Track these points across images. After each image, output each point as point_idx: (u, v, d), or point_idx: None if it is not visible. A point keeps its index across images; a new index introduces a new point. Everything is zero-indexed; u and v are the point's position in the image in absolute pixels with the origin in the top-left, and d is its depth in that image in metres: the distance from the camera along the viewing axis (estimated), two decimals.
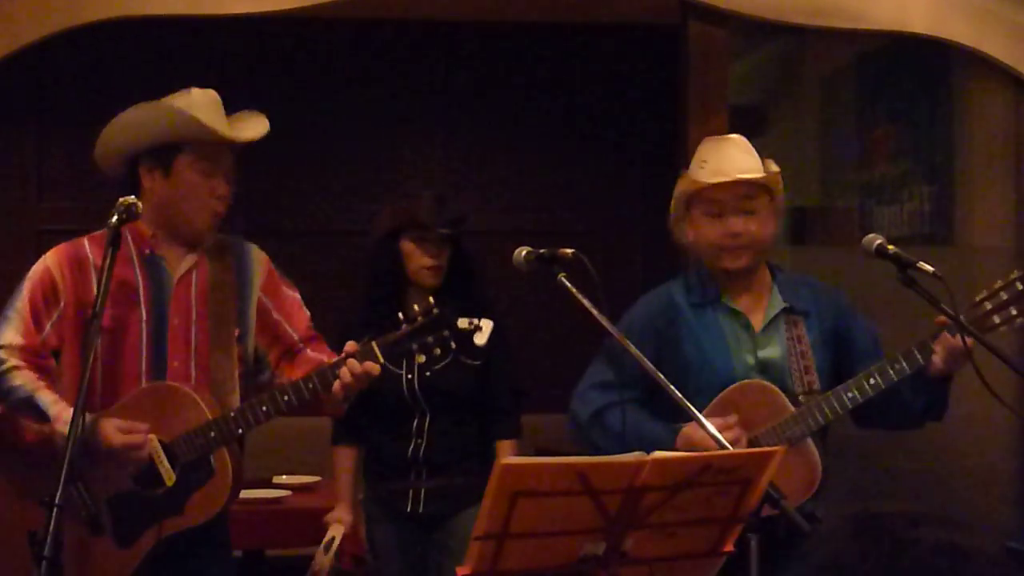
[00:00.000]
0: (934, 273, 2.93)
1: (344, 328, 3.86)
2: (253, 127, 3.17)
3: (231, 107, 3.19)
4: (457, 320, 2.93)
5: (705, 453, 2.48)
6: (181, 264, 3.11)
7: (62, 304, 3.03)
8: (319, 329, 3.28)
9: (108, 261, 2.78)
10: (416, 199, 3.97)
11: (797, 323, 3.25)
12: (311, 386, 2.93)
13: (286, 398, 2.95)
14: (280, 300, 3.20)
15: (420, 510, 3.89)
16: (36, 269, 3.07)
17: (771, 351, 3.24)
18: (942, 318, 3.01)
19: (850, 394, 3.07)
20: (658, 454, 2.35)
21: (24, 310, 3.03)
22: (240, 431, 2.95)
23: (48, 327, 3.03)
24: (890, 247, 3.10)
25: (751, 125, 6.58)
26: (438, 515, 3.89)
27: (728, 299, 3.28)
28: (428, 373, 3.84)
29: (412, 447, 3.87)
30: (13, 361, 3.00)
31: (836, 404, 3.08)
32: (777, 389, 3.15)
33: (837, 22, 4.88)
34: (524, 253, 3.06)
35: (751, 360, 3.22)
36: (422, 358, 2.94)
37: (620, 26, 6.20)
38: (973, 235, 5.19)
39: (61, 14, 4.52)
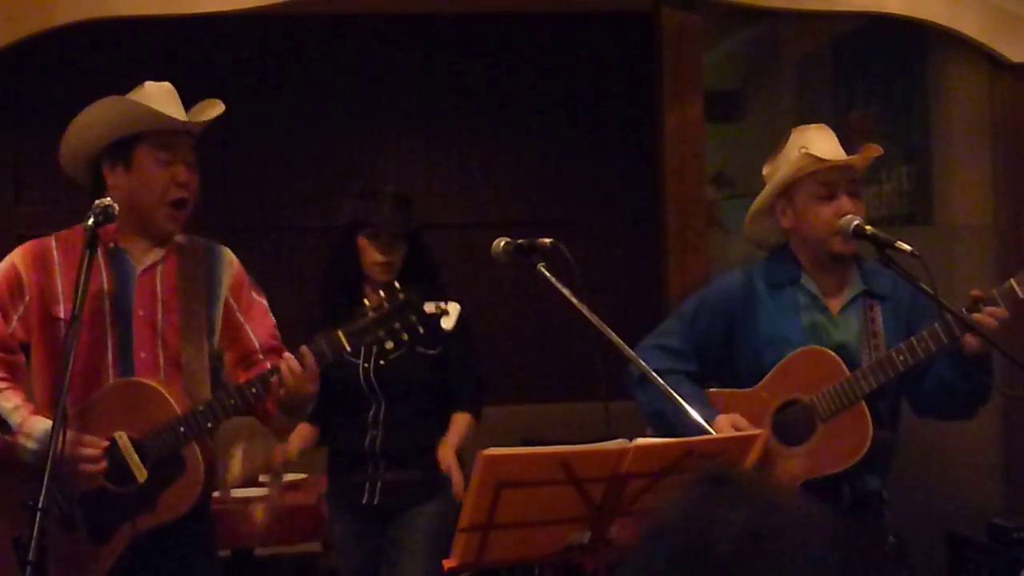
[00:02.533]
0: (912, 252, 2.95)
1: (309, 327, 3.84)
2: (206, 111, 3.15)
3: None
4: (423, 305, 2.91)
5: (688, 439, 2.49)
6: (146, 257, 3.10)
7: (27, 298, 3.04)
8: (295, 329, 3.28)
9: (86, 263, 2.77)
10: (373, 197, 3.99)
11: (873, 306, 3.30)
12: (254, 390, 2.92)
13: (234, 400, 2.93)
14: (246, 304, 3.18)
15: (375, 502, 3.88)
16: (2, 265, 3.09)
17: (846, 332, 3.29)
18: (976, 292, 3.05)
19: (902, 357, 3.11)
20: (640, 440, 2.35)
21: None
22: (209, 425, 2.93)
23: (15, 320, 3.03)
24: (867, 228, 3.13)
25: (728, 110, 6.59)
26: (393, 508, 3.90)
27: (807, 281, 3.31)
28: (383, 362, 3.83)
29: (369, 438, 3.88)
30: None
31: (888, 367, 3.12)
32: (833, 354, 3.20)
33: (811, 5, 4.89)
34: (503, 244, 3.06)
35: (826, 341, 3.26)
36: (390, 344, 2.91)
37: (594, 15, 6.20)
38: (952, 214, 5.20)
39: (32, 18, 4.49)
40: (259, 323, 3.18)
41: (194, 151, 3.13)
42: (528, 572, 4.70)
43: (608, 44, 6.23)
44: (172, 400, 2.93)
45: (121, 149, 3.06)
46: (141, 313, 3.05)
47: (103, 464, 2.90)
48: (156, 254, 3.10)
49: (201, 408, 2.91)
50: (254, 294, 3.22)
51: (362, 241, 3.91)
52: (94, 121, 3.07)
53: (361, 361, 3.87)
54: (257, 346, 3.16)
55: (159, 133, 3.05)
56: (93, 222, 2.81)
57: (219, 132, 3.23)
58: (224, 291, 3.15)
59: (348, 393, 3.88)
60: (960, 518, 4.60)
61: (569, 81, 6.25)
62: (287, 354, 2.92)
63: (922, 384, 3.25)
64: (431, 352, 3.90)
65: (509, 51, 6.24)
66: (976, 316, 3.02)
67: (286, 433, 3.23)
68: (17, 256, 3.09)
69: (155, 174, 3.04)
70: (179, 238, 3.16)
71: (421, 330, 2.89)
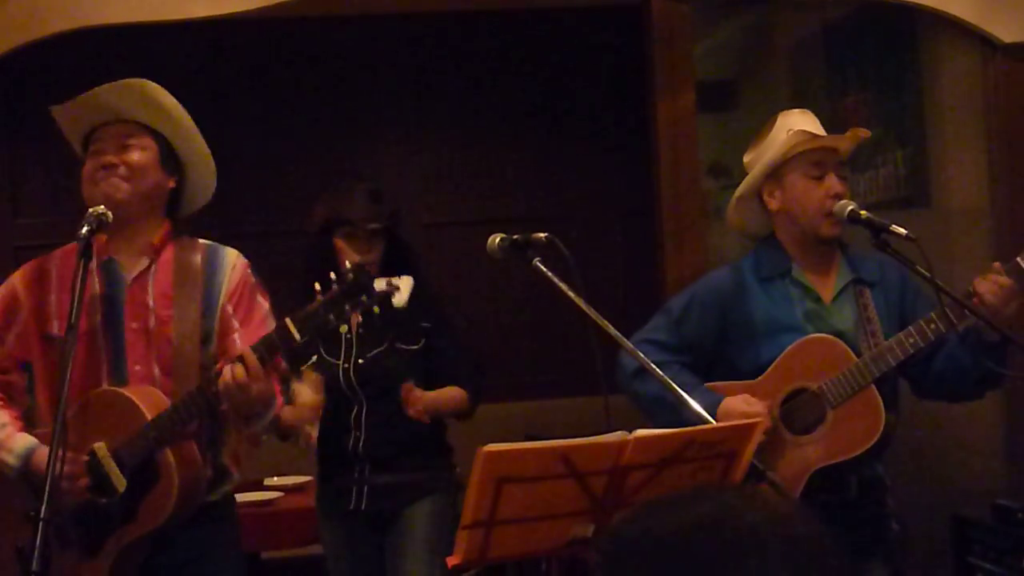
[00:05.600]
0: (907, 235, 2.95)
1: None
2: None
3: (203, 108, 3.18)
4: (373, 283, 2.80)
5: (687, 429, 2.48)
6: (136, 266, 3.08)
7: (22, 317, 3.06)
8: None
9: (81, 272, 2.76)
10: (347, 193, 3.87)
11: (864, 292, 3.30)
12: (213, 389, 2.85)
13: (196, 400, 2.87)
14: (245, 310, 3.12)
15: (363, 507, 3.78)
16: (3, 285, 3.12)
17: (841, 321, 3.28)
18: (996, 264, 3.06)
19: (911, 340, 3.10)
20: (640, 432, 2.35)
21: None
22: (178, 428, 2.87)
23: (10, 339, 3.07)
24: (862, 212, 3.14)
25: (722, 100, 6.58)
26: (384, 513, 3.80)
27: (798, 272, 3.31)
28: (361, 360, 3.76)
29: (352, 440, 3.77)
30: None
31: (898, 349, 3.11)
32: (840, 341, 3.19)
33: None
34: (498, 240, 3.06)
35: (823, 329, 3.25)
36: (344, 327, 2.76)
37: (586, 8, 6.20)
38: (949, 197, 5.20)
39: (22, 28, 4.49)
40: (252, 331, 3.08)
41: (142, 136, 3.09)
42: (535, 567, 4.70)
43: (600, 37, 6.23)
44: (143, 407, 2.90)
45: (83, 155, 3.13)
46: (134, 325, 3.03)
47: (84, 479, 2.89)
48: (144, 262, 3.08)
49: (167, 411, 2.88)
50: (258, 297, 3.16)
51: (339, 242, 3.80)
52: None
53: (341, 361, 3.78)
54: None
55: (94, 132, 3.09)
56: (87, 230, 2.82)
57: (217, 135, 3.22)
58: (222, 298, 3.11)
59: (331, 394, 3.76)
60: (965, 500, 4.59)
61: (562, 75, 6.25)
62: (226, 365, 2.84)
63: (931, 365, 3.24)
64: (412, 348, 3.81)
65: (501, 47, 6.24)
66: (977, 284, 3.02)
67: (251, 441, 3.17)
68: (17, 276, 3.12)
69: (87, 167, 3.07)
70: (180, 241, 3.14)
71: (377, 309, 2.81)
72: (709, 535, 1.20)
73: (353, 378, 3.78)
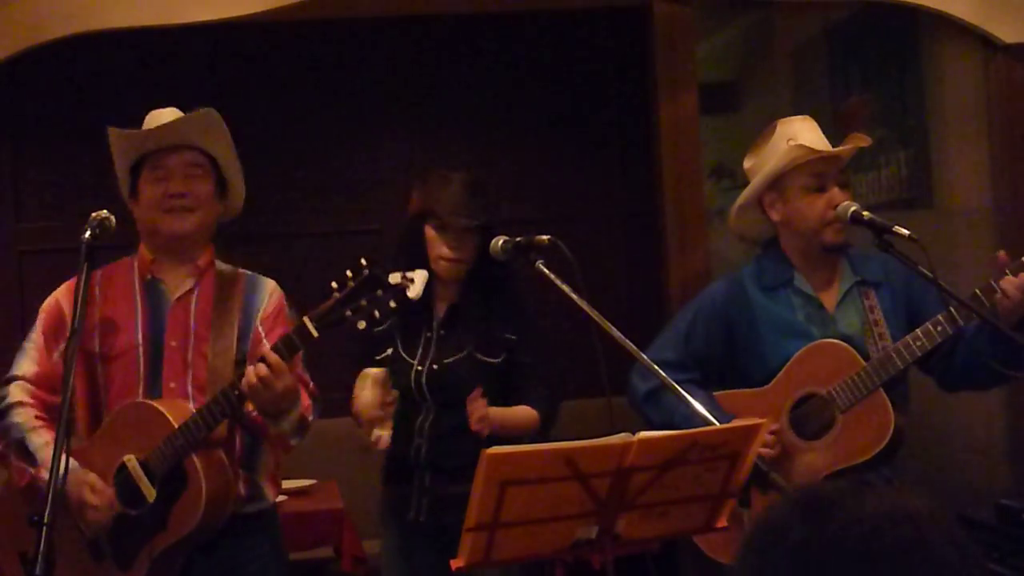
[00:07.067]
0: (909, 236, 2.95)
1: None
2: (169, 115, 3.14)
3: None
4: (388, 278, 2.77)
5: (691, 430, 2.48)
6: (181, 286, 3.13)
7: (68, 334, 3.05)
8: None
9: (82, 276, 2.78)
10: (445, 182, 3.59)
11: (869, 294, 3.29)
12: (236, 392, 2.86)
13: (219, 405, 2.88)
14: (276, 333, 3.11)
15: (422, 519, 3.57)
16: (47, 301, 3.16)
17: (847, 326, 3.27)
18: (1001, 252, 3.05)
19: (919, 342, 3.09)
20: (643, 434, 2.35)
21: (38, 340, 3.12)
22: (203, 432, 2.89)
23: (56, 355, 3.09)
24: (865, 213, 3.13)
25: (725, 102, 6.59)
26: (444, 526, 3.48)
27: (800, 281, 3.30)
28: (436, 366, 3.55)
29: (414, 447, 3.55)
30: (17, 396, 3.06)
31: (906, 352, 3.11)
32: (847, 345, 3.19)
33: None
34: (501, 243, 3.07)
35: (829, 336, 3.25)
36: (362, 323, 2.74)
37: (589, 10, 6.20)
38: (951, 197, 5.20)
39: (24, 33, 4.49)
40: None
41: (205, 165, 3.13)
42: (539, 570, 4.68)
43: (603, 39, 6.22)
44: (168, 415, 2.93)
45: (132, 184, 3.13)
46: (173, 343, 3.08)
47: (110, 514, 2.93)
48: (189, 283, 3.14)
49: (192, 417, 2.91)
50: (289, 326, 3.16)
51: (429, 232, 3.55)
52: (116, 166, 3.14)
53: (416, 362, 3.57)
54: None
55: (151, 156, 3.08)
56: (90, 235, 2.84)
57: None
58: (257, 321, 3.15)
59: (401, 395, 3.52)
60: (969, 500, 4.59)
61: (563, 77, 6.24)
62: (249, 367, 2.85)
63: (953, 360, 3.23)
64: (491, 360, 3.58)
65: (502, 50, 6.23)
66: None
67: (281, 445, 3.15)
68: (61, 291, 3.15)
69: (151, 195, 3.08)
70: (221, 267, 3.18)
71: (393, 304, 2.77)
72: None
73: (424, 383, 3.56)
